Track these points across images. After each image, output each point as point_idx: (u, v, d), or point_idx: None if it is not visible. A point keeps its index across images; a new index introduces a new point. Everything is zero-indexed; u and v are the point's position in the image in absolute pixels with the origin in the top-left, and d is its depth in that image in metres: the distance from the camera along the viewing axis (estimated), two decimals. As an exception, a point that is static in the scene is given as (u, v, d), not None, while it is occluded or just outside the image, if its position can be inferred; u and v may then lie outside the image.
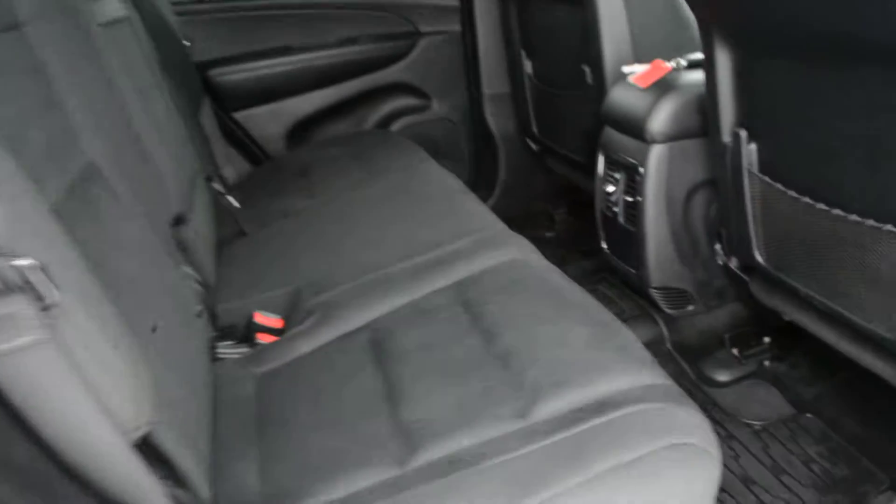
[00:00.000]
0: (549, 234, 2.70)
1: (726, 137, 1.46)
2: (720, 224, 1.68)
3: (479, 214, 1.71)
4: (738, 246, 1.57)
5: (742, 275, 1.65)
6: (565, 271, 1.42)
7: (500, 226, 1.62)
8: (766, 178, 1.39)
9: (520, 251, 1.48)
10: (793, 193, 1.32)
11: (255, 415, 1.16)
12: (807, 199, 1.29)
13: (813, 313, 1.44)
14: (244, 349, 1.40)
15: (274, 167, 2.45)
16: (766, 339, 1.82)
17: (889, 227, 1.12)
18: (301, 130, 2.65)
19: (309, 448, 1.05)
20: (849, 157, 1.18)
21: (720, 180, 1.55)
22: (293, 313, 1.47)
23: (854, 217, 1.18)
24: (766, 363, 1.80)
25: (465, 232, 1.59)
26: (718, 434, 1.31)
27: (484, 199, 2.49)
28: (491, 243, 1.51)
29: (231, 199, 2.00)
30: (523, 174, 2.71)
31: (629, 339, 1.15)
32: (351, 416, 1.10)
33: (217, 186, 2.01)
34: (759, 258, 1.50)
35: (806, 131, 1.26)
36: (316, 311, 1.42)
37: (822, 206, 1.25)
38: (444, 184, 1.91)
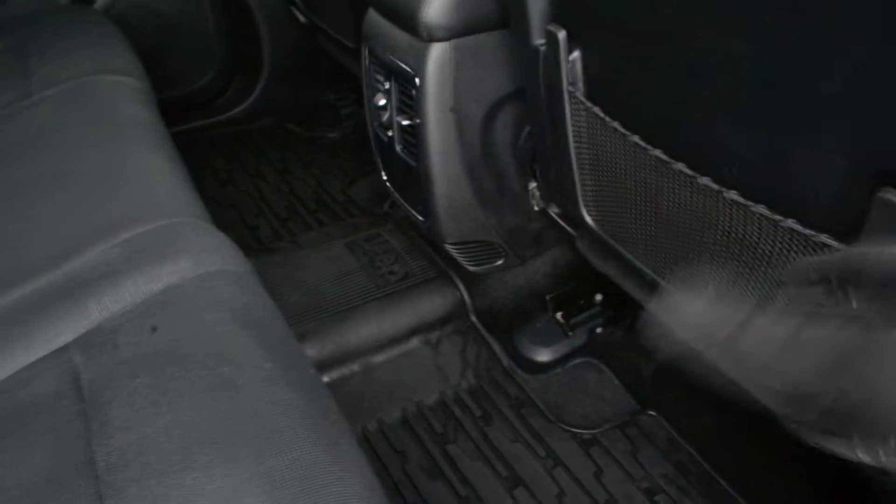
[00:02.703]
0: (331, 135, 2.07)
1: (537, 38, 0.91)
2: (534, 160, 1.16)
3: (157, 187, 1.02)
4: (559, 195, 1.06)
5: (567, 227, 1.16)
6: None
7: (191, 208, 0.98)
8: (594, 108, 0.86)
9: (196, 260, 0.86)
10: (619, 127, 0.81)
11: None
12: (636, 139, 0.80)
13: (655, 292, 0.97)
14: None
15: None
16: (599, 297, 1.37)
17: (733, 195, 0.70)
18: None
19: None
20: (704, 88, 0.70)
21: (531, 101, 1.01)
22: None
23: (705, 180, 0.73)
24: (599, 330, 1.35)
25: (116, 227, 0.93)
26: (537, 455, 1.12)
27: (248, 89, 2.05)
28: (150, 248, 0.88)
29: None
30: (295, 53, 2.05)
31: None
32: None
33: None
34: (586, 217, 1.00)
35: (643, 41, 0.74)
36: None
37: (658, 152, 0.78)
38: (124, 119, 1.20)
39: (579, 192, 0.99)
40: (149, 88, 1.35)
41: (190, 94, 2.04)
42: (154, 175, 1.05)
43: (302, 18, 1.90)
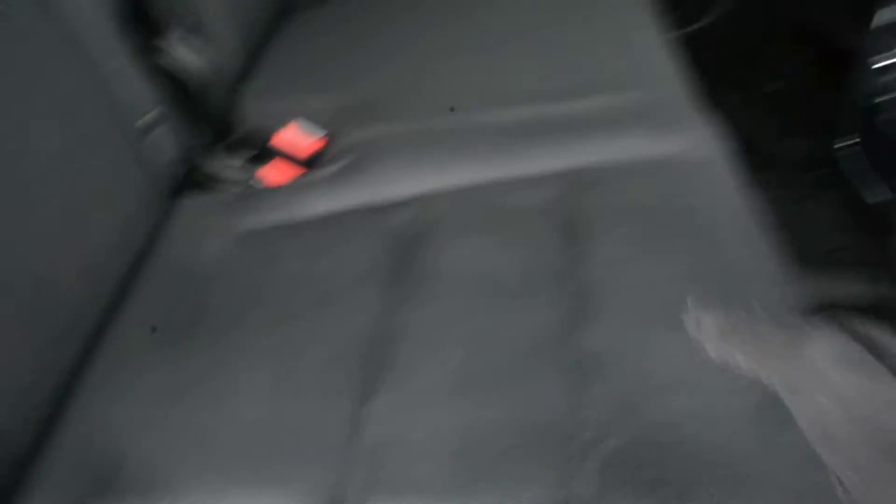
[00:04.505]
0: (772, 87, 1.65)
1: None
2: None
3: (652, 61, 1.05)
4: None
5: None
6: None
7: (684, 89, 0.99)
8: None
9: (693, 141, 0.89)
10: None
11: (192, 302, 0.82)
12: None
13: None
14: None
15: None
16: None
17: None
18: None
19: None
20: None
21: None
22: (330, 143, 1.03)
23: None
24: None
25: (616, 85, 0.99)
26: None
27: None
28: (651, 116, 0.93)
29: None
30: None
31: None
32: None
33: None
34: None
35: None
36: (352, 152, 0.98)
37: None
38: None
39: None
40: None
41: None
42: (660, 49, 1.07)
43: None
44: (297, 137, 1.05)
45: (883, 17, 1.04)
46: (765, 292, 0.69)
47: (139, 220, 0.90)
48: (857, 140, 1.20)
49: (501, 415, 0.63)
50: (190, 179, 1.03)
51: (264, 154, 1.04)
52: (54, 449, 0.70)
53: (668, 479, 0.56)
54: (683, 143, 0.89)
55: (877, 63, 1.07)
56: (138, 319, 0.82)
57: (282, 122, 1.07)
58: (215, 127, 1.09)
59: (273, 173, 1.01)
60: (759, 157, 0.94)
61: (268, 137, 1.06)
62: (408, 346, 0.71)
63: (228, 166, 1.05)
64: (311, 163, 1.03)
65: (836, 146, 1.22)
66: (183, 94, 1.03)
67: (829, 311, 0.67)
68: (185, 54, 1.03)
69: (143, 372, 0.76)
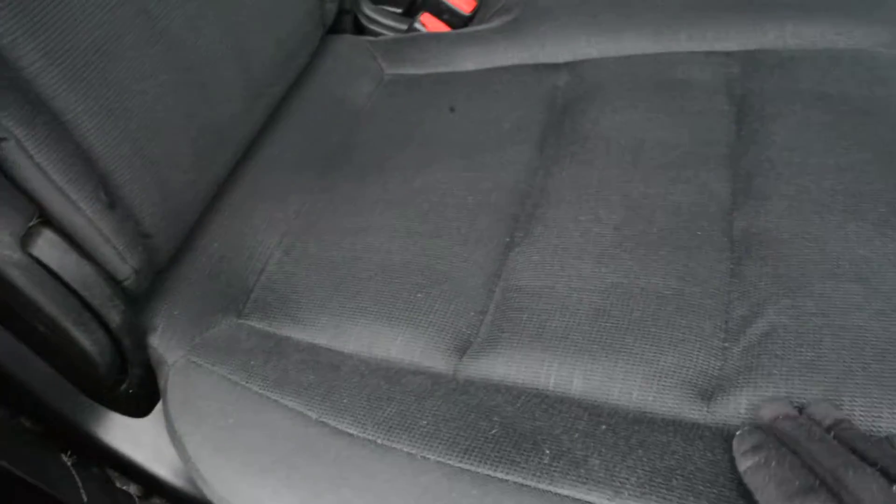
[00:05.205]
0: None
1: None
2: None
3: None
4: None
5: None
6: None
7: None
8: None
9: (886, 35, 0.82)
10: None
11: (339, 136, 0.83)
12: None
13: None
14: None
15: None
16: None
17: None
18: None
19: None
20: None
21: None
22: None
23: None
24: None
25: None
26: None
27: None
28: (846, 2, 0.85)
29: None
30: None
31: None
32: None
33: None
34: None
35: None
36: (513, 10, 0.93)
37: None
38: None
39: None
40: None
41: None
42: None
43: None
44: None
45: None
46: None
47: (303, 46, 0.89)
48: None
49: (652, 281, 0.60)
50: (347, 20, 1.02)
51: (424, 4, 1.02)
52: (189, 264, 0.71)
53: (824, 365, 0.52)
54: (880, 35, 0.80)
55: None
56: (286, 143, 0.83)
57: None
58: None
59: (432, 23, 0.99)
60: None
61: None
62: (559, 203, 0.69)
63: (386, 13, 1.03)
64: (470, 19, 1.00)
65: None
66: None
67: None
68: None
69: (283, 198, 0.77)
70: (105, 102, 0.58)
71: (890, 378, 0.51)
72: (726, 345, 0.56)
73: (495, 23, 0.93)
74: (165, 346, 0.64)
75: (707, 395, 0.53)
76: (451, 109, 0.84)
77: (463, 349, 0.60)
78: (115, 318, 0.60)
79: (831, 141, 0.67)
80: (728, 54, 0.81)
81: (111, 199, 0.59)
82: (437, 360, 0.60)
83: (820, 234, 0.60)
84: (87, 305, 0.58)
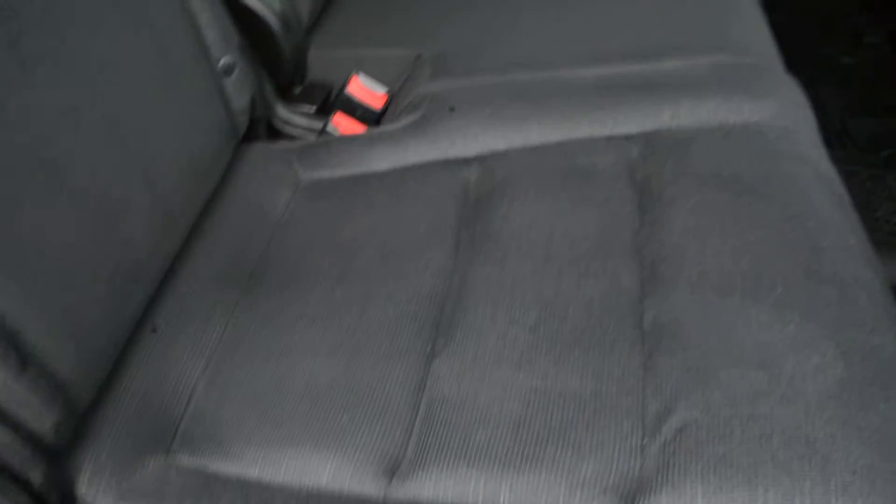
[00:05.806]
0: (847, 60, 1.67)
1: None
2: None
3: (743, 24, 1.04)
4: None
5: None
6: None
7: (770, 53, 0.98)
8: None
9: (779, 107, 0.86)
10: None
11: (257, 250, 0.84)
12: None
13: None
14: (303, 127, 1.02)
15: None
16: None
17: None
18: None
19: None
20: None
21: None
22: (399, 96, 1.03)
23: None
24: None
25: (702, 47, 0.96)
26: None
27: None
28: (736, 79, 0.90)
29: None
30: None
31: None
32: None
33: None
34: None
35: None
36: (421, 107, 0.95)
37: None
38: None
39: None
40: None
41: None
42: (748, 11, 1.05)
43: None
44: (359, 91, 1.04)
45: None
46: (857, 269, 0.65)
47: (216, 161, 0.90)
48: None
49: (569, 384, 0.62)
50: (261, 126, 1.03)
51: (336, 104, 1.04)
52: (113, 404, 0.68)
53: (736, 458, 0.54)
54: (767, 109, 0.85)
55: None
56: (204, 264, 0.83)
57: (345, 73, 1.05)
58: (287, 74, 1.08)
59: (345, 123, 1.01)
60: (827, 133, 0.89)
61: (334, 88, 1.06)
62: (476, 306, 0.70)
63: (299, 114, 1.05)
64: (382, 115, 1.03)
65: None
66: (260, 37, 1.02)
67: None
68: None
69: (205, 322, 0.76)
70: (8, 261, 0.58)
71: (798, 466, 0.53)
72: (644, 442, 0.57)
73: (404, 121, 0.95)
74: (93, 495, 0.63)
75: (629, 498, 0.55)
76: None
77: (392, 471, 0.61)
78: (36, 477, 0.59)
79: (727, 222, 0.71)
80: (628, 137, 0.84)
81: (23, 358, 0.58)
82: (367, 485, 0.60)
83: (723, 319, 0.62)
84: (3, 469, 0.57)
